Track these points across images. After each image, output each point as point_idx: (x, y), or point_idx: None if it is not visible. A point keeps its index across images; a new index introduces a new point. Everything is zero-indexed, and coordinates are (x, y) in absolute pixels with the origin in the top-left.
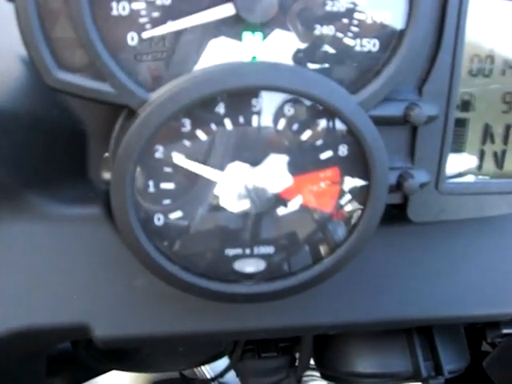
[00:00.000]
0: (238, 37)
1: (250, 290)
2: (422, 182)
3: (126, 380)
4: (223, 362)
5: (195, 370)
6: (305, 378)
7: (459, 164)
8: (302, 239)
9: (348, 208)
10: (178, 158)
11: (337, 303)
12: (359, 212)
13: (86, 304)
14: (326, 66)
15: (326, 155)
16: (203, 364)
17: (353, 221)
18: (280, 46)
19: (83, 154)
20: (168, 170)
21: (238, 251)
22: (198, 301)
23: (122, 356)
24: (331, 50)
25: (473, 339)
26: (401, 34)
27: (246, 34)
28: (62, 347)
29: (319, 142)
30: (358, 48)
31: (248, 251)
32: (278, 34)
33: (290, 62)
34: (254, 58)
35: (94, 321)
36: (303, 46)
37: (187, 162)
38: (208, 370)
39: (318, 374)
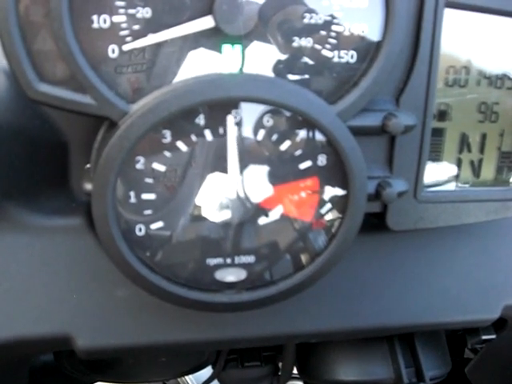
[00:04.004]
0: (218, 49)
1: (231, 299)
2: (400, 191)
3: None
4: (207, 372)
5: (179, 380)
6: None
7: (437, 173)
8: (283, 248)
9: (328, 217)
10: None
11: (317, 311)
12: (339, 221)
13: (67, 315)
14: (306, 77)
15: (305, 165)
16: (186, 374)
17: (333, 229)
18: (260, 58)
19: (65, 165)
20: (149, 180)
21: (219, 261)
22: (181, 310)
23: (104, 367)
24: (310, 62)
25: (455, 346)
26: (378, 45)
27: (226, 46)
28: (44, 359)
29: (298, 152)
30: (336, 59)
31: (229, 260)
32: (257, 46)
33: (270, 73)
34: (240, 70)
35: (76, 331)
36: (283, 57)
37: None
38: (192, 380)
39: (301, 383)
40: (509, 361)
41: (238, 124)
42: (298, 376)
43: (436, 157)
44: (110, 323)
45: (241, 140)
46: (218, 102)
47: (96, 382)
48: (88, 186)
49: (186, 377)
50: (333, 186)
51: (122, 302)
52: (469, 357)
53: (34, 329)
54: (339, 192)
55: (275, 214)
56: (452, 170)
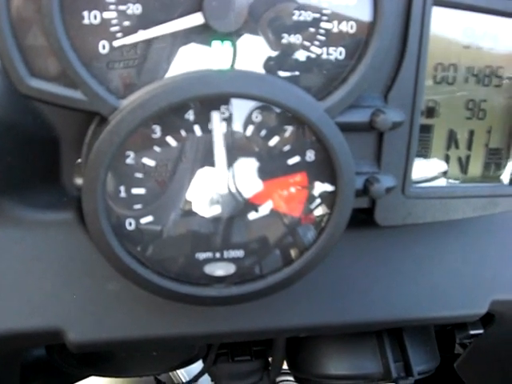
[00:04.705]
0: (208, 45)
1: (221, 293)
2: (388, 187)
3: None
4: (198, 366)
5: (171, 374)
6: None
7: (425, 169)
8: (272, 243)
9: (316, 212)
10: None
11: (306, 306)
12: (327, 216)
13: (59, 308)
14: (295, 73)
15: (293, 160)
16: (178, 368)
17: (322, 224)
18: (250, 55)
19: (56, 160)
20: (139, 175)
21: (209, 255)
22: (172, 304)
23: (96, 361)
24: (299, 58)
25: (446, 342)
26: (366, 42)
27: (215, 43)
28: (36, 354)
29: (287, 148)
30: (324, 56)
31: (218, 255)
32: (247, 42)
33: (260, 69)
34: (231, 66)
35: (67, 325)
36: (272, 54)
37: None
38: (183, 374)
39: (292, 378)
40: (497, 356)
41: (227, 120)
42: (288, 371)
43: (424, 153)
44: (101, 317)
45: (230, 135)
46: (207, 98)
47: (87, 376)
48: (79, 181)
49: (178, 371)
50: (321, 181)
51: (113, 296)
52: (459, 353)
53: (26, 322)
54: (328, 187)
55: (265, 209)
56: (440, 166)
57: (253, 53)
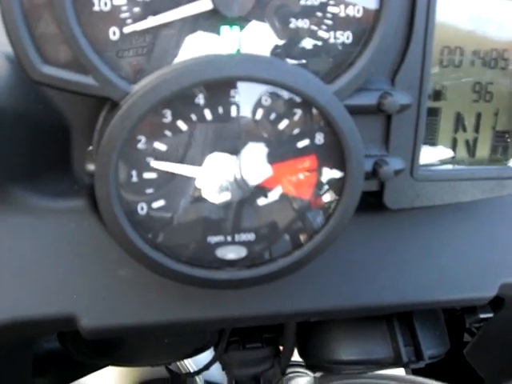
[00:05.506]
0: (217, 31)
1: (233, 276)
2: (396, 169)
3: (113, 380)
4: (206, 357)
5: (179, 364)
6: (290, 375)
7: (433, 153)
8: (282, 227)
9: (326, 195)
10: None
11: (316, 290)
12: (337, 199)
13: (71, 295)
14: (303, 57)
15: (303, 144)
16: (189, 357)
17: (331, 208)
18: (258, 40)
19: (67, 148)
20: (150, 159)
21: (220, 239)
22: (183, 290)
23: (108, 350)
24: (307, 43)
25: (455, 329)
26: (373, 26)
27: (224, 28)
28: (48, 347)
29: (296, 131)
30: (332, 40)
31: (229, 238)
32: (255, 27)
33: (268, 54)
34: (237, 50)
35: (80, 311)
36: (280, 38)
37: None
38: (191, 365)
39: (303, 369)
40: (507, 341)
41: (237, 103)
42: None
43: (431, 136)
44: (113, 303)
45: (239, 119)
46: (216, 82)
47: (98, 369)
48: (91, 167)
49: (186, 361)
50: (330, 164)
51: (125, 282)
52: (468, 341)
53: (39, 309)
54: (337, 170)
55: (275, 193)
56: (447, 153)
57: (260, 38)
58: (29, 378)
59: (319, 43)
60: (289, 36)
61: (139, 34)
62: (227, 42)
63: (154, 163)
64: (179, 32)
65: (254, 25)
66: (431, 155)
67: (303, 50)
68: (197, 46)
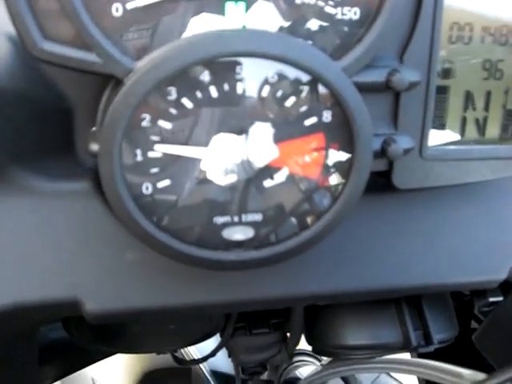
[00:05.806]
0: (222, 9)
1: (240, 257)
2: (405, 148)
3: (118, 370)
4: (210, 345)
5: (183, 352)
6: (297, 363)
7: (442, 132)
8: (289, 208)
9: (333, 176)
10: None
11: (324, 273)
12: (345, 178)
13: (76, 278)
14: (310, 33)
15: (310, 121)
16: (195, 343)
17: (339, 188)
18: (264, 16)
19: (70, 130)
20: (155, 138)
21: (227, 219)
22: (189, 273)
23: (113, 336)
24: (313, 19)
25: (462, 316)
26: (380, 1)
27: (229, 5)
28: (53, 337)
29: (303, 109)
30: (339, 16)
31: (236, 219)
32: (260, 3)
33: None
34: (243, 26)
35: (85, 295)
36: (286, 15)
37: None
38: (196, 352)
39: (309, 358)
40: None
41: (243, 80)
42: (306, 352)
43: (440, 115)
44: (118, 287)
45: (245, 97)
46: (222, 57)
47: (103, 358)
48: (94, 147)
49: (190, 349)
50: (339, 142)
51: (130, 266)
52: (475, 327)
53: (43, 293)
54: (345, 149)
55: (282, 174)
56: (454, 136)
57: (266, 14)
58: (34, 366)
59: (326, 19)
60: (295, 12)
61: (143, 13)
62: (232, 19)
63: (158, 144)
64: (184, 9)
65: (260, 4)
66: (439, 138)
67: (310, 28)
68: (202, 24)
